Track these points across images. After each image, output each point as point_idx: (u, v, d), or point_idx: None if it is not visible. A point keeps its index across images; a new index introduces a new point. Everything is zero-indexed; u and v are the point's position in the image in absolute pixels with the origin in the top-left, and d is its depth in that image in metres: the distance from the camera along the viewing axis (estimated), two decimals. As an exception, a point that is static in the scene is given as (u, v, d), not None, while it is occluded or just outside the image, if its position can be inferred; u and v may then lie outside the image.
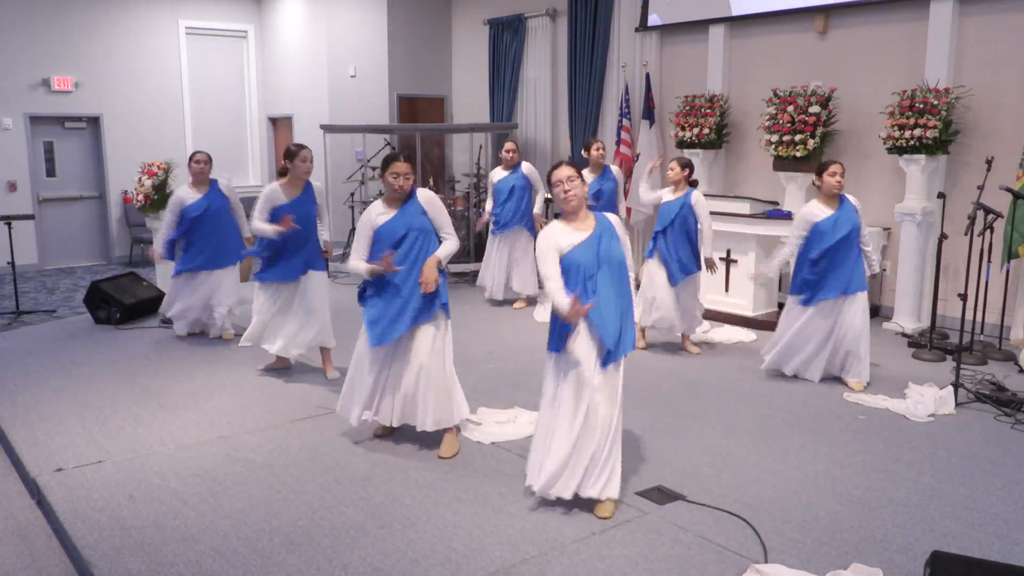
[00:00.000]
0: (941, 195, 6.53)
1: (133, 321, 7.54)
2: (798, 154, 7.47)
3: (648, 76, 9.18)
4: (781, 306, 7.49)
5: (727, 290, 7.50)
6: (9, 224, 8.25)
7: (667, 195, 6.28)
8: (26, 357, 6.46)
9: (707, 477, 4.12)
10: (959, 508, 3.78)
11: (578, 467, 3.63)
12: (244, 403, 5.29)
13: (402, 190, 4.26)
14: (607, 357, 3.61)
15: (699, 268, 6.24)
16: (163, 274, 7.73)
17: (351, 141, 11.47)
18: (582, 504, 3.76)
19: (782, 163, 7.72)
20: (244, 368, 5.94)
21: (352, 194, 10.92)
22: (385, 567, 3.28)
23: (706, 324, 6.71)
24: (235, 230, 6.88)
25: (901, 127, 6.78)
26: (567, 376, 3.64)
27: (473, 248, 9.80)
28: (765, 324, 7.13)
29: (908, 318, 7.05)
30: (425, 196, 4.37)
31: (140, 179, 7.83)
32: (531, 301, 8.15)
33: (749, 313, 7.32)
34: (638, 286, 6.21)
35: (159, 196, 7.81)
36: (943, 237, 6.02)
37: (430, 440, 4.56)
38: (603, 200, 7.43)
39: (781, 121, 7.57)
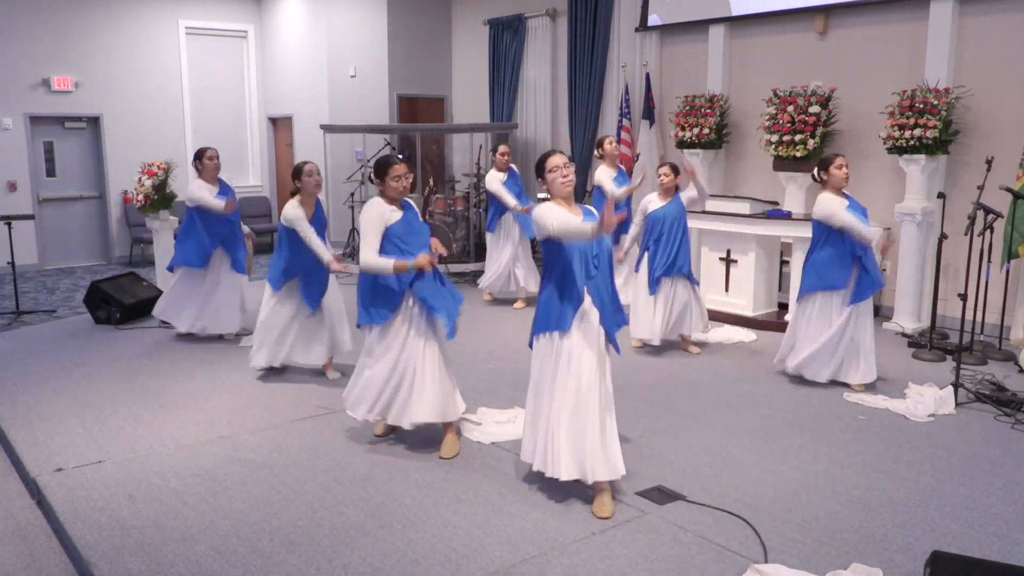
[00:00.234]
0: (941, 195, 6.53)
1: (133, 321, 7.54)
2: (798, 154, 7.47)
3: (648, 76, 9.18)
4: (781, 306, 7.52)
5: (727, 290, 7.50)
6: (9, 224, 8.25)
7: (654, 203, 6.24)
8: (26, 357, 6.46)
9: (707, 477, 4.12)
10: (959, 508, 3.78)
11: (579, 445, 3.69)
12: (244, 403, 5.30)
13: (407, 189, 4.36)
14: (608, 333, 3.80)
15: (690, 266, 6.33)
16: (163, 274, 7.73)
17: (351, 141, 11.47)
18: (582, 504, 3.77)
19: (782, 163, 7.73)
20: (244, 368, 5.93)
21: (352, 194, 10.93)
22: (385, 567, 3.29)
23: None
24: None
25: (901, 127, 6.78)
26: (560, 357, 3.72)
27: (473, 248, 9.80)
28: (765, 324, 7.14)
29: (908, 318, 7.05)
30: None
31: (140, 179, 7.83)
32: (531, 301, 8.14)
33: (749, 313, 7.32)
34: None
35: (159, 196, 7.82)
36: (943, 237, 6.02)
37: (430, 440, 4.56)
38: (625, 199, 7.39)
39: (781, 121, 7.57)
